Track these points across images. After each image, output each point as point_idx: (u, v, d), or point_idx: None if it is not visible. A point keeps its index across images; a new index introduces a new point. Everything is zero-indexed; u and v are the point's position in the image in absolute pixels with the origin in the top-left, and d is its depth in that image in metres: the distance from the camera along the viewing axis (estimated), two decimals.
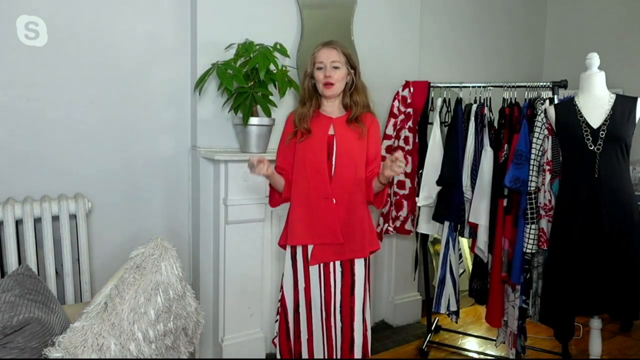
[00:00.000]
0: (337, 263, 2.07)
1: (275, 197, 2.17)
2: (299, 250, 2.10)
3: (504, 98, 2.63)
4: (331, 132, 2.06)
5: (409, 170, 2.88)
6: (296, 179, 2.08)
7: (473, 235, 2.71)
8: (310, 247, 2.08)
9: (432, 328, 3.08)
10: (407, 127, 2.89)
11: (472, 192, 2.64)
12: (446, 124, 2.81)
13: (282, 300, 2.15)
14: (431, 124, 2.86)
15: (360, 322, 2.11)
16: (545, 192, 2.40)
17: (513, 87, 2.63)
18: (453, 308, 2.80)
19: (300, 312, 2.12)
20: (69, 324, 1.65)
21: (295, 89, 2.52)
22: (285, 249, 2.16)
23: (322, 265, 2.07)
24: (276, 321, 2.19)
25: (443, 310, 2.82)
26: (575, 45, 4.14)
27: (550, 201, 2.40)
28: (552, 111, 2.36)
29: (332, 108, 2.11)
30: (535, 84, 2.58)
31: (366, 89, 2.14)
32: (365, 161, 2.08)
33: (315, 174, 2.04)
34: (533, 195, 2.40)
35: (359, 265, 2.09)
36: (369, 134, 2.08)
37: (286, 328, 2.15)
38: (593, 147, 2.21)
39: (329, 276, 2.08)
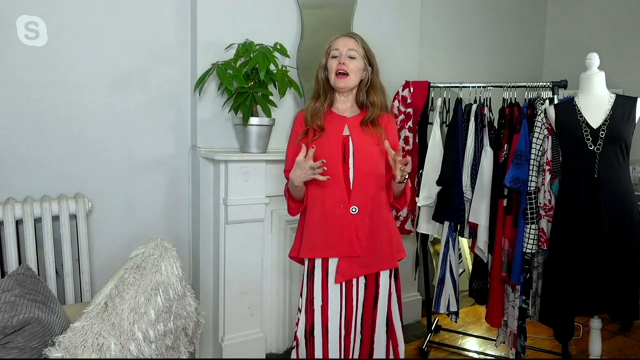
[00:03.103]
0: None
1: (294, 206, 1.94)
2: (318, 263, 1.88)
3: (504, 98, 2.63)
4: (346, 132, 1.87)
5: (409, 170, 2.87)
6: (309, 185, 1.88)
7: (473, 235, 2.71)
8: (332, 261, 1.86)
9: (432, 328, 3.08)
10: (407, 127, 2.88)
11: (472, 192, 2.64)
12: (446, 124, 2.82)
13: (298, 324, 1.94)
14: (431, 124, 2.86)
15: (384, 336, 1.92)
16: (545, 192, 2.40)
17: (513, 87, 2.63)
18: (453, 308, 2.80)
19: (315, 336, 1.89)
20: (69, 324, 1.65)
21: (295, 89, 2.52)
22: (297, 261, 1.98)
23: None
24: (293, 347, 1.96)
25: (442, 310, 2.81)
26: (575, 45, 4.14)
27: (550, 201, 2.40)
28: (552, 111, 2.36)
29: (345, 106, 1.93)
30: (535, 84, 2.58)
31: (384, 90, 1.97)
32: (386, 163, 1.87)
33: (330, 179, 1.82)
34: (533, 195, 2.40)
35: (384, 275, 1.92)
36: (387, 135, 1.90)
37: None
38: (593, 147, 2.21)
39: (351, 290, 1.88)
